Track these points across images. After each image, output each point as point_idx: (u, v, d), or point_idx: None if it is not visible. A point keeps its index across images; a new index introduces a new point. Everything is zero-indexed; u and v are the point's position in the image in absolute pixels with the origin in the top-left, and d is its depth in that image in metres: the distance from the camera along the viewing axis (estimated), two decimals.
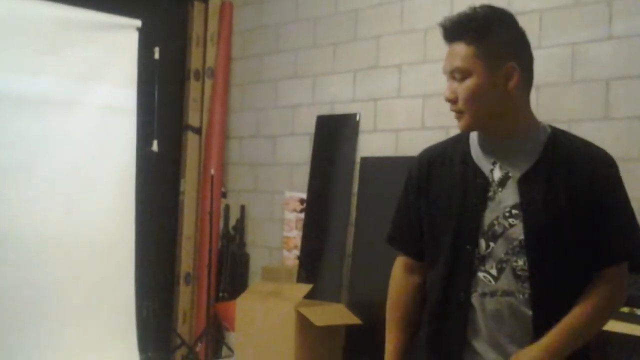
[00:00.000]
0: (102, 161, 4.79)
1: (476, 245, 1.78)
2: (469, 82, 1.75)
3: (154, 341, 4.97)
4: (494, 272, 1.76)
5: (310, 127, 4.98)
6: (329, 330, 4.20)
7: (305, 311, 4.12)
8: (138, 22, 5.00)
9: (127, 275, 4.88)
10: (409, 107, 4.45)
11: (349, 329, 4.30)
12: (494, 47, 1.74)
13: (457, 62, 1.75)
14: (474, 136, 1.88)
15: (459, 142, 1.92)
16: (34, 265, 3.55)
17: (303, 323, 4.11)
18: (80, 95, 4.73)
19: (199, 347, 5.12)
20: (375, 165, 4.57)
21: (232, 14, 5.65)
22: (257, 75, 5.44)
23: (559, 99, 3.72)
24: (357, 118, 4.72)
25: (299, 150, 5.06)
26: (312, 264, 4.79)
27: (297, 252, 4.97)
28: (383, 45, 4.61)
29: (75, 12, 4.67)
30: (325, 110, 4.92)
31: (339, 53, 4.87)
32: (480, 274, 1.78)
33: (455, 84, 1.77)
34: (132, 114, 4.99)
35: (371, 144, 4.64)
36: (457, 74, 1.76)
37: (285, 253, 5.09)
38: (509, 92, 1.75)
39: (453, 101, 1.79)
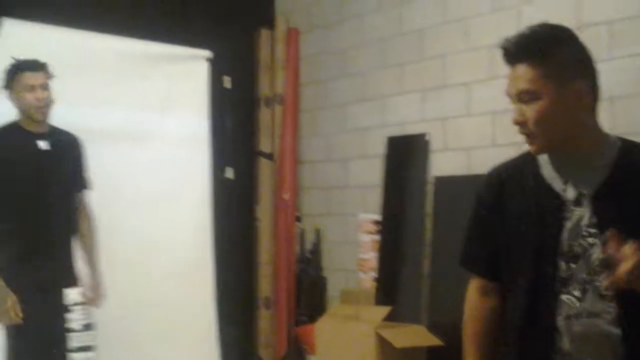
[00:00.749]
0: (178, 190, 4.92)
1: (556, 267, 1.75)
2: (540, 104, 1.72)
3: None
4: (577, 293, 1.74)
5: (381, 149, 5.00)
6: (410, 352, 4.20)
7: (385, 333, 4.13)
8: (208, 53, 5.13)
9: (208, 301, 4.98)
10: (478, 125, 4.43)
11: (431, 350, 4.28)
12: (560, 66, 1.72)
13: (525, 85, 1.74)
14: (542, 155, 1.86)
15: (528, 160, 1.89)
16: (119, 292, 3.69)
17: (383, 345, 4.12)
18: (154, 126, 4.87)
19: None
20: (449, 185, 4.56)
21: (298, 40, 5.73)
22: (326, 99, 5.50)
23: (632, 111, 3.65)
24: (427, 138, 4.72)
25: (371, 172, 5.09)
26: (389, 286, 4.79)
27: (373, 274, 4.98)
28: (450, 64, 4.60)
29: (147, 45, 4.82)
30: (395, 132, 4.93)
31: (407, 73, 4.88)
32: (564, 297, 1.75)
33: (524, 107, 1.75)
34: (205, 143, 5.12)
35: (443, 164, 4.63)
36: (526, 96, 1.74)
37: (362, 275, 5.11)
38: (579, 111, 1.73)
39: (523, 124, 1.77)
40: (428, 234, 4.64)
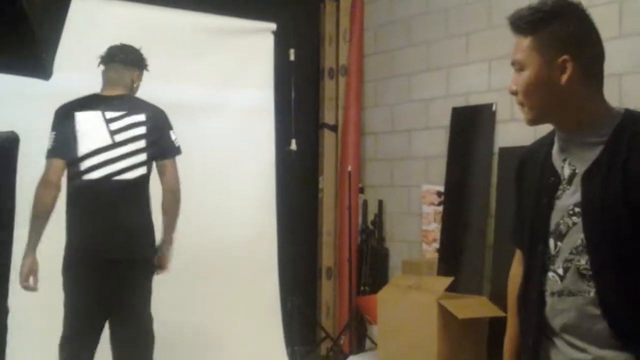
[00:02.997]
0: (243, 162, 4.97)
1: (547, 244, 1.78)
2: (525, 75, 1.75)
3: (299, 335, 5.10)
4: (560, 271, 1.76)
5: (445, 120, 4.95)
6: (472, 323, 4.17)
7: (447, 304, 4.11)
8: (273, 26, 5.16)
9: (271, 271, 5.05)
10: None
11: (493, 322, 4.24)
12: (549, 40, 1.73)
13: (516, 55, 1.78)
14: (557, 131, 1.85)
15: (547, 140, 1.91)
16: (187, 259, 3.76)
17: (445, 316, 4.10)
18: (220, 99, 4.93)
19: (343, 340, 5.22)
20: (515, 156, 4.47)
21: (363, 11, 5.71)
22: (390, 70, 5.47)
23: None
24: (494, 108, 4.65)
25: (435, 143, 5.05)
26: (452, 257, 4.77)
27: (436, 245, 4.96)
28: None
29: (213, 19, 4.87)
30: (460, 102, 4.88)
31: (473, 43, 4.81)
32: (550, 274, 1.78)
33: (516, 76, 1.79)
34: (270, 115, 5.16)
35: (509, 134, 4.56)
36: (516, 66, 1.78)
37: (425, 246, 5.09)
38: (564, 85, 1.72)
39: (514, 93, 1.80)
40: (492, 206, 4.58)
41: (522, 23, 1.77)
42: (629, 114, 1.75)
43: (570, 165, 1.77)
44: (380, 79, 5.58)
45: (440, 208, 4.95)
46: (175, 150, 3.38)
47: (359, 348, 5.19)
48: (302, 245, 5.51)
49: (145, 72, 3.58)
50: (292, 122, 5.30)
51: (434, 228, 4.99)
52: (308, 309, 5.43)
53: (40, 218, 3.22)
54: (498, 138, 4.62)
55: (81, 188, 3.29)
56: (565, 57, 1.72)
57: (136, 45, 3.55)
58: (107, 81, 3.43)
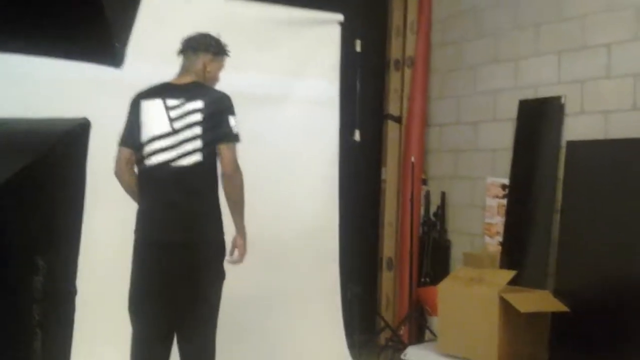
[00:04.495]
0: (307, 152, 5.00)
1: None
2: None
3: (359, 324, 5.13)
4: None
5: (512, 112, 4.89)
6: (534, 317, 4.12)
7: (509, 297, 4.07)
8: (340, 16, 5.16)
9: (332, 260, 5.07)
10: (619, 88, 4.24)
11: (556, 317, 4.19)
12: None
13: None
14: None
15: None
16: (250, 248, 3.78)
17: (507, 309, 4.06)
18: (286, 89, 4.97)
19: (403, 331, 5.22)
20: (583, 150, 4.40)
21: (431, 2, 5.67)
22: (457, 61, 5.43)
23: None
24: (562, 101, 4.57)
25: (501, 136, 4.99)
26: (515, 250, 4.71)
27: (499, 239, 4.91)
28: (589, 24, 4.42)
29: (280, 10, 4.91)
30: (528, 95, 4.81)
31: (542, 34, 4.73)
32: None
33: None
34: (335, 106, 5.17)
35: (577, 128, 4.48)
36: None
37: (487, 239, 5.05)
38: None
39: None
40: (558, 200, 4.51)
41: None
42: None
43: None
44: (446, 71, 5.54)
45: (505, 201, 4.90)
46: (231, 136, 3.33)
47: (419, 339, 5.19)
48: (363, 236, 5.53)
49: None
50: (356, 113, 5.31)
51: (498, 221, 4.94)
52: (368, 298, 5.45)
53: (130, 191, 3.44)
54: (566, 131, 4.54)
55: (143, 174, 3.39)
56: None
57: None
58: (180, 70, 3.51)
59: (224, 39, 3.63)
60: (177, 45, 3.54)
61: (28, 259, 1.96)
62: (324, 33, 5.12)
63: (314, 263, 4.96)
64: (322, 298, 4.99)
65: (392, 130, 5.68)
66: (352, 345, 4.92)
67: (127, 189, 3.43)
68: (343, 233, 5.12)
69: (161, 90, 3.42)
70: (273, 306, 4.71)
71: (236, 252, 3.42)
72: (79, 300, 2.19)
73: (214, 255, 3.37)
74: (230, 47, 3.66)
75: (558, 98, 4.60)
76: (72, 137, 2.11)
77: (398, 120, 5.70)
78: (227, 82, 3.83)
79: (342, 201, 5.13)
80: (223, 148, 3.30)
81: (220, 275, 3.39)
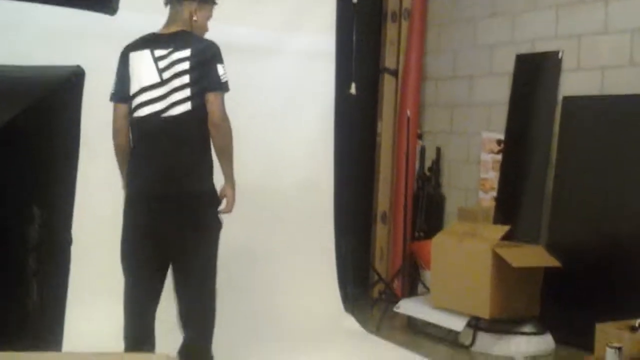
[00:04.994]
0: (303, 105, 4.97)
1: None
2: None
3: (353, 277, 5.16)
4: None
5: (509, 67, 4.86)
6: (527, 272, 4.16)
7: (502, 252, 4.10)
8: None
9: (326, 214, 5.08)
10: (616, 43, 4.21)
11: (548, 272, 4.23)
12: None
13: None
14: None
15: None
16: (240, 205, 3.77)
17: (499, 264, 4.09)
18: (282, 42, 4.91)
19: (396, 284, 5.27)
20: (579, 105, 4.39)
21: None
22: (454, 14, 5.37)
23: None
24: (560, 56, 4.54)
25: (497, 91, 4.96)
26: (509, 205, 4.73)
27: (493, 194, 4.92)
28: None
29: None
30: (525, 49, 4.77)
31: None
32: None
33: None
34: (330, 59, 5.12)
35: (574, 83, 4.46)
36: None
37: (482, 194, 5.06)
38: None
39: None
40: (553, 155, 4.51)
41: None
42: None
43: None
44: (444, 24, 5.48)
45: (500, 156, 4.89)
46: (219, 85, 3.25)
47: (412, 292, 5.23)
48: (358, 189, 5.53)
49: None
50: (352, 66, 5.27)
51: (492, 176, 4.95)
52: (362, 252, 5.48)
53: (120, 155, 3.40)
54: (563, 87, 4.52)
55: (133, 126, 3.36)
56: None
57: None
58: (167, 20, 3.45)
59: None
60: None
61: (24, 208, 1.95)
62: None
63: (309, 216, 4.97)
64: (316, 251, 5.00)
65: (388, 84, 5.64)
66: (345, 298, 4.96)
67: (119, 149, 3.38)
68: (338, 186, 5.11)
69: (148, 41, 3.35)
70: (267, 259, 4.73)
71: (224, 202, 3.39)
72: (75, 251, 2.20)
73: (207, 204, 3.36)
74: (222, 1, 3.60)
75: (555, 53, 4.57)
76: (67, 84, 2.09)
77: (394, 73, 5.65)
78: (222, 34, 3.78)
79: (337, 155, 5.12)
80: (211, 97, 3.25)
81: (216, 225, 3.39)
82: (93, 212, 3.97)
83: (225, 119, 3.25)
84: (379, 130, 5.65)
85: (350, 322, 4.73)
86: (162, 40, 3.34)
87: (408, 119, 5.23)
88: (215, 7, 3.54)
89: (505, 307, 4.16)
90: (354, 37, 5.28)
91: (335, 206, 5.09)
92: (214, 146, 3.32)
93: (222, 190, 3.39)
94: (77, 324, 2.76)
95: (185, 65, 3.27)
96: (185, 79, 3.26)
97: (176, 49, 3.29)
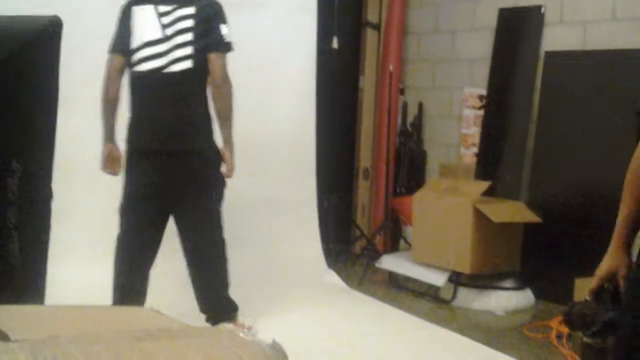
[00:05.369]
0: (284, 58, 4.91)
1: None
2: None
3: (335, 232, 5.18)
4: None
5: (492, 21, 4.82)
6: (507, 227, 4.18)
7: (483, 207, 4.12)
8: None
9: (309, 169, 5.06)
10: None
11: (528, 227, 4.26)
12: None
13: None
14: None
15: None
16: None
17: (480, 219, 4.11)
18: None
19: (378, 239, 5.29)
20: (561, 60, 4.38)
21: None
22: None
23: None
24: (542, 10, 4.51)
25: (479, 45, 4.94)
26: (491, 161, 4.74)
27: (475, 150, 4.93)
28: None
29: None
30: (508, 3, 4.73)
31: None
32: None
33: None
34: (312, 12, 5.05)
35: (556, 38, 4.44)
36: None
37: (463, 150, 5.06)
38: None
39: None
40: (535, 111, 4.52)
41: None
42: None
43: None
44: None
45: (482, 112, 4.89)
46: (222, 45, 3.27)
47: (393, 248, 5.26)
48: (340, 145, 5.51)
49: None
50: (334, 19, 5.21)
51: (474, 132, 4.95)
52: (344, 207, 5.49)
53: (107, 107, 3.36)
54: (545, 42, 4.50)
55: (134, 80, 3.35)
56: None
57: None
58: None
59: None
60: None
61: (3, 162, 1.93)
62: None
63: (291, 171, 4.95)
64: (299, 206, 5.00)
65: (370, 38, 5.59)
66: (328, 254, 4.98)
67: (108, 102, 3.35)
68: (320, 141, 5.09)
69: None
70: (250, 214, 4.71)
71: (224, 166, 3.39)
72: (56, 206, 2.18)
73: (209, 162, 3.36)
74: None
75: (538, 7, 4.54)
76: (43, 35, 2.05)
77: (377, 27, 5.59)
78: None
79: (320, 109, 5.08)
80: (213, 57, 3.26)
81: (219, 182, 3.40)
82: (76, 168, 3.94)
83: (226, 79, 3.26)
84: (361, 85, 5.62)
85: (333, 277, 4.75)
86: None
87: (390, 73, 5.20)
88: None
89: (485, 262, 4.20)
90: None
91: (318, 161, 5.07)
92: (214, 107, 3.33)
93: (221, 152, 3.37)
94: (60, 277, 2.76)
95: (189, 23, 3.26)
96: (188, 36, 3.26)
97: (180, 6, 3.28)
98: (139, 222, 3.35)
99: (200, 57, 3.26)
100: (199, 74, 3.28)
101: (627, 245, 1.97)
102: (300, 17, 4.98)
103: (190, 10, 3.27)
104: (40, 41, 2.00)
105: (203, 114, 3.33)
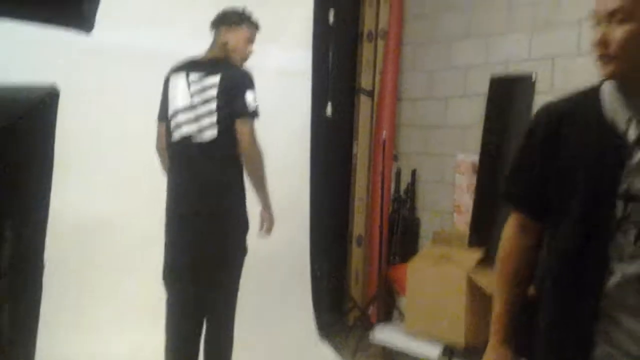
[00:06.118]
0: (278, 124, 4.91)
1: (613, 207, 1.68)
2: (631, 26, 1.65)
3: (328, 301, 5.10)
4: (632, 233, 1.66)
5: (484, 88, 4.85)
6: None
7: (477, 277, 4.07)
8: None
9: (302, 236, 5.02)
10: (589, 66, 4.20)
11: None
12: None
13: (620, 3, 1.65)
14: (605, 90, 1.76)
15: (589, 98, 1.80)
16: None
17: (475, 289, 4.06)
18: (257, 58, 4.84)
19: (371, 310, 5.20)
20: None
21: None
22: (430, 35, 5.36)
23: None
24: (533, 78, 4.54)
25: (472, 112, 4.96)
26: (484, 229, 4.70)
27: (468, 217, 4.90)
28: (562, 1, 4.40)
29: None
30: (499, 71, 4.77)
31: (515, 10, 4.69)
32: (619, 237, 1.67)
33: (611, 27, 1.67)
34: (306, 78, 5.08)
35: None
36: (618, 16, 1.66)
37: (457, 217, 5.03)
38: None
39: (606, 45, 1.68)
40: (513, 164, 4.51)
41: None
42: None
43: (638, 126, 1.68)
44: (419, 44, 5.48)
45: (474, 179, 4.88)
46: (246, 111, 3.28)
47: (387, 318, 5.17)
48: (333, 211, 5.48)
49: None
50: (328, 85, 5.24)
51: (467, 199, 4.93)
52: (337, 275, 5.42)
53: (162, 154, 3.55)
54: (536, 109, 4.53)
55: (170, 148, 3.45)
56: None
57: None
58: (209, 46, 3.51)
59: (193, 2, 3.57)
60: (149, 12, 3.51)
61: None
62: (297, 2, 5.02)
63: (283, 237, 4.88)
64: (291, 276, 4.93)
65: (364, 105, 5.61)
66: (320, 325, 4.88)
67: (164, 165, 3.51)
68: (314, 208, 5.07)
69: (187, 65, 3.46)
70: (242, 284, 4.64)
71: (265, 226, 3.50)
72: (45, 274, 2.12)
73: (234, 227, 3.39)
74: (200, 13, 3.59)
75: (529, 75, 4.57)
76: (40, 106, 2.02)
77: (370, 94, 5.62)
78: (196, 48, 3.74)
79: (313, 177, 5.07)
80: (238, 124, 3.29)
81: (242, 250, 3.46)
82: (69, 233, 3.89)
83: (253, 145, 3.29)
84: (354, 151, 5.62)
85: (326, 350, 4.65)
86: (198, 65, 3.44)
87: (384, 140, 5.21)
88: (189, 16, 3.55)
89: (480, 334, 4.12)
90: (330, 57, 5.26)
91: (311, 228, 5.03)
92: (246, 173, 3.36)
93: (261, 214, 3.49)
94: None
95: (214, 92, 3.29)
96: (213, 105, 3.28)
97: (207, 75, 3.35)
98: (178, 292, 3.40)
99: (225, 126, 3.29)
100: (226, 142, 3.30)
101: (509, 338, 1.93)
102: (294, 82, 5.01)
103: (215, 79, 3.32)
104: (36, 112, 1.98)
105: (233, 180, 3.37)
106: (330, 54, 5.24)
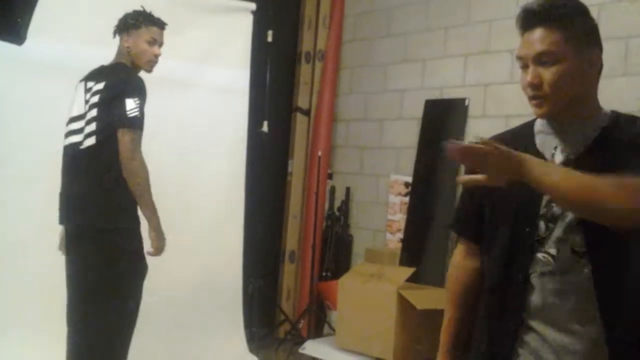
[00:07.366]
0: (215, 140, 4.93)
1: (536, 227, 1.79)
2: (560, 67, 1.73)
3: (259, 316, 5.11)
4: (552, 251, 1.77)
5: (418, 112, 4.98)
6: (431, 314, 4.20)
7: (407, 294, 4.14)
8: (252, 5, 5.09)
9: (235, 252, 5.02)
10: (521, 93, 4.34)
11: None
12: (580, 32, 1.75)
13: (547, 47, 1.73)
14: (537, 124, 1.87)
15: (524, 131, 1.91)
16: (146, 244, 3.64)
17: (404, 306, 4.13)
18: (194, 76, 4.86)
19: (302, 324, 5.24)
20: None
21: None
22: (367, 58, 5.47)
23: None
24: (466, 103, 4.68)
25: (406, 134, 5.07)
26: (415, 248, 4.80)
27: (400, 236, 4.99)
28: (495, 30, 4.54)
29: None
30: (434, 95, 4.90)
31: (450, 37, 4.83)
32: (540, 255, 1.79)
33: (540, 69, 1.75)
34: (244, 96, 5.11)
35: (480, 130, 4.59)
36: (545, 58, 1.74)
37: (389, 236, 5.12)
38: (590, 78, 1.77)
39: (537, 86, 1.76)
40: (458, 199, 4.62)
41: (552, 16, 1.73)
42: (618, 113, 1.82)
43: (562, 153, 1.79)
44: (356, 67, 5.58)
45: (407, 199, 4.98)
46: (125, 120, 3.07)
47: (318, 333, 5.22)
48: (267, 227, 5.50)
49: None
50: (265, 104, 5.28)
51: (400, 218, 5.02)
52: (269, 291, 5.44)
53: None
54: (469, 133, 4.66)
55: (61, 156, 3.33)
56: (596, 51, 1.76)
57: (112, 15, 3.47)
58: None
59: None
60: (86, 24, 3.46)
61: None
62: (236, 22, 5.05)
63: (217, 252, 4.90)
64: (223, 288, 4.93)
65: (300, 123, 5.68)
66: (250, 338, 4.89)
67: None
68: (248, 224, 5.08)
69: (90, 73, 3.34)
70: (174, 298, 4.61)
71: (152, 246, 3.21)
72: None
73: (121, 244, 3.17)
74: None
75: (462, 100, 4.71)
76: None
77: (307, 113, 5.70)
78: None
79: (248, 192, 5.09)
80: (119, 133, 3.11)
81: (131, 269, 3.22)
82: None
83: (132, 157, 3.07)
84: (289, 169, 5.66)
85: None
86: (99, 72, 3.30)
87: (319, 158, 5.27)
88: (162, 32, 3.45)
89: (409, 349, 4.20)
90: (268, 76, 5.31)
91: (245, 244, 5.04)
92: (128, 185, 3.12)
93: (148, 232, 3.20)
94: None
95: (96, 99, 3.18)
96: (94, 112, 3.17)
97: (98, 82, 3.22)
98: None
99: (103, 134, 3.12)
100: (105, 151, 3.12)
101: (453, 349, 2.06)
102: (232, 100, 5.04)
103: (101, 86, 3.19)
104: None
105: (115, 192, 3.14)
106: (268, 72, 5.28)
